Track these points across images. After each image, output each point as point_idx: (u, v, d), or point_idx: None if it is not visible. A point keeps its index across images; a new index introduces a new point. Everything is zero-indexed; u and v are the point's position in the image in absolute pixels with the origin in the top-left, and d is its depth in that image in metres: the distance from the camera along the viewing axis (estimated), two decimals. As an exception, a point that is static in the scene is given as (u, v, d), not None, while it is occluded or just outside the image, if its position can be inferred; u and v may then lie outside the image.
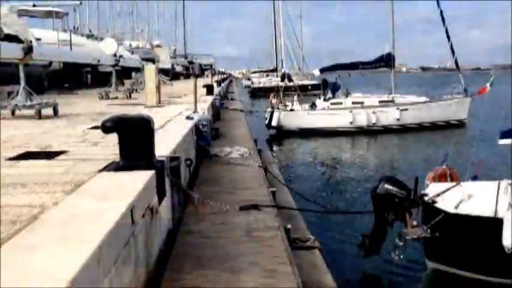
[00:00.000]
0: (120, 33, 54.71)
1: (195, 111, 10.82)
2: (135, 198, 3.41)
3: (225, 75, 67.44)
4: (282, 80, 24.96)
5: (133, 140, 4.31)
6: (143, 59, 40.33)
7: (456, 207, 6.33)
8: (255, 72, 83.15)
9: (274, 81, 62.35)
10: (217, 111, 15.78)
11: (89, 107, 13.27)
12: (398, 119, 21.98)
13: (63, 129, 7.66)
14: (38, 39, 24.53)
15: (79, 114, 10.49)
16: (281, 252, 4.23)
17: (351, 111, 21.81)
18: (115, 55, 17.08)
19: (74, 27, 33.23)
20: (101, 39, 43.49)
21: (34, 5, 28.53)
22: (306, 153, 19.38)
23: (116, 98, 17.39)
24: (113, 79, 17.23)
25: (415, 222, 6.85)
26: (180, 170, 5.34)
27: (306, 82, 47.87)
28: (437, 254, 6.73)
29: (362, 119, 21.77)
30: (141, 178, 3.96)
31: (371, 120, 21.80)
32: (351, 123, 21.78)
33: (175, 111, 11.40)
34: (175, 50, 78.01)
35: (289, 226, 5.13)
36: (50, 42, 25.26)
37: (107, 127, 4.26)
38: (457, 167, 7.85)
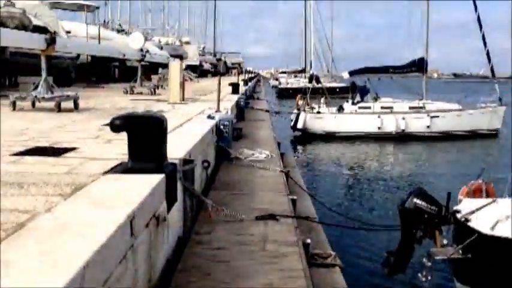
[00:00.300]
0: (150, 29, 55.13)
1: (218, 110, 10.49)
2: (138, 206, 3.07)
3: (252, 74, 67.25)
4: (310, 81, 24.47)
5: (144, 140, 3.97)
6: (171, 55, 40.43)
7: (492, 227, 5.81)
8: (283, 72, 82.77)
9: (302, 82, 61.96)
10: (241, 110, 15.42)
11: (111, 101, 13.11)
12: (428, 126, 21.26)
13: (79, 124, 7.42)
14: (68, 32, 24.70)
15: (100, 109, 10.28)
16: (298, 271, 3.84)
17: (379, 116, 21.18)
18: (141, 50, 16.91)
19: (104, 22, 33.42)
20: (131, 34, 44.07)
21: (66, -2, 28.85)
22: (331, 158, 18.87)
23: (141, 93, 17.25)
24: (139, 74, 17.06)
25: (445, 241, 6.35)
26: (194, 174, 4.99)
27: (334, 84, 47.22)
28: (468, 276, 6.22)
29: (391, 124, 21.12)
30: (148, 183, 3.63)
31: (400, 126, 21.13)
32: (379, 128, 21.17)
33: (197, 109, 11.12)
34: (204, 48, 78.21)
35: (308, 241, 4.73)
36: (80, 35, 25.45)
37: (115, 125, 3.94)
38: (494, 181, 7.30)
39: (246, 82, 32.44)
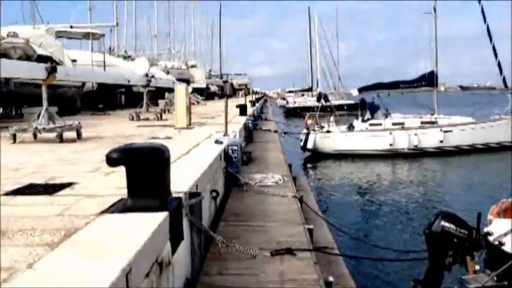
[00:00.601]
0: (157, 54, 55.41)
1: (226, 134, 10.12)
2: (137, 253, 2.66)
3: (259, 95, 67.11)
4: (318, 100, 24.11)
5: (144, 174, 3.58)
6: (178, 79, 40.34)
7: (530, 252, 5.30)
8: (290, 91, 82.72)
9: (310, 100, 61.72)
10: (250, 132, 15.06)
11: (117, 128, 12.79)
12: (441, 141, 20.72)
13: (80, 155, 7.05)
14: (74, 60, 24.69)
15: (103, 137, 9.93)
16: (322, 317, 3.38)
17: (391, 133, 20.70)
18: (147, 75, 16.69)
19: (110, 49, 33.48)
20: (133, 60, 44.21)
21: (71, 27, 28.91)
22: (343, 178, 18.35)
23: (147, 119, 16.97)
24: (144, 99, 16.81)
25: (477, 267, 5.83)
26: (201, 207, 4.57)
27: (341, 102, 46.94)
28: (505, 307, 5.68)
29: (403, 141, 20.62)
30: (149, 223, 3.22)
31: (412, 142, 20.61)
32: (391, 145, 20.66)
33: (205, 133, 10.76)
34: (210, 70, 78.52)
35: (331, 279, 4.26)
36: (86, 63, 25.43)
37: (112, 159, 3.54)
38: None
39: (253, 103, 32.19)
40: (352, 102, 42.33)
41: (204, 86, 59.90)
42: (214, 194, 5.95)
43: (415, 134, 20.61)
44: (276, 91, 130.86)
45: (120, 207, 3.63)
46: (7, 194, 4.28)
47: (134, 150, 3.65)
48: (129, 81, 15.67)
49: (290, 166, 11.01)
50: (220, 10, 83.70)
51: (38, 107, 17.15)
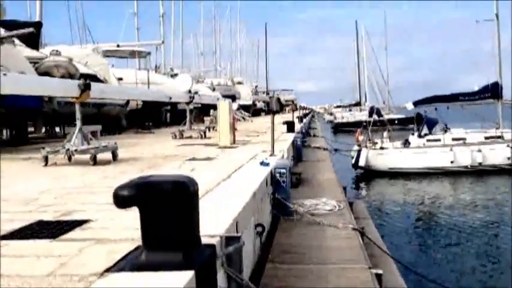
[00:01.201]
0: (203, 71, 55.57)
1: (272, 154, 9.16)
2: None
3: (306, 111, 65.98)
4: (370, 114, 22.76)
5: (163, 218, 2.67)
6: (224, 96, 39.92)
7: None
8: (338, 106, 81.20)
9: (358, 115, 60.03)
10: (298, 151, 14.04)
11: (156, 148, 12.13)
12: (509, 158, 18.90)
13: (108, 181, 6.26)
14: (120, 79, 24.62)
15: (140, 159, 9.20)
16: None
17: (451, 149, 19.08)
18: (189, 92, 16.05)
19: (156, 66, 33.47)
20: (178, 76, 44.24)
21: (118, 46, 29.09)
22: (400, 200, 16.93)
23: (190, 137, 16.30)
24: (188, 117, 16.16)
25: None
26: (241, 254, 3.59)
27: (392, 116, 45.09)
28: None
29: (465, 157, 18.95)
30: (167, 291, 2.28)
31: (476, 159, 18.90)
32: (451, 162, 19.03)
33: (249, 153, 9.83)
34: (256, 86, 78.16)
35: None
36: (132, 81, 25.27)
37: (121, 198, 2.67)
38: None
39: (301, 119, 31.17)
40: (403, 116, 40.51)
41: (250, 102, 59.41)
42: (259, 229, 4.98)
43: (479, 150, 18.90)
44: (323, 106, 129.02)
45: (131, 263, 2.71)
46: (4, 237, 3.47)
47: (150, 185, 2.74)
48: (170, 98, 15.06)
49: (345, 189, 9.88)
50: (266, 28, 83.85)
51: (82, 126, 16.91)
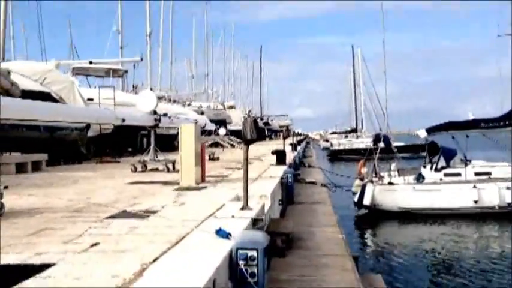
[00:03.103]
0: (193, 94, 52.60)
1: (245, 206, 5.90)
2: None
3: (301, 137, 62.86)
4: (376, 142, 19.55)
5: None
6: (213, 121, 36.80)
7: None
8: (333, 133, 78.26)
9: (356, 142, 57.00)
10: (289, 191, 10.80)
11: (97, 187, 8.89)
12: (544, 197, 15.67)
13: None
14: (90, 99, 21.40)
15: (38, 212, 5.88)
16: None
17: (475, 186, 15.83)
18: (155, 113, 12.82)
19: (134, 86, 30.36)
20: (171, 100, 41.11)
21: (91, 62, 26.01)
22: (413, 248, 13.62)
23: (156, 169, 13.05)
24: (152, 144, 12.91)
25: None
26: None
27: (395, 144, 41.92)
28: None
29: (492, 196, 15.69)
30: None
31: (505, 198, 15.65)
32: (475, 202, 15.76)
33: (216, 201, 6.61)
34: (249, 111, 75.20)
35: None
36: (106, 102, 21.97)
37: None
38: None
39: (294, 146, 27.98)
40: (404, 144, 37.39)
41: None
42: None
43: (508, 188, 15.67)
44: (318, 132, 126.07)
45: None
46: None
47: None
48: (123, 120, 11.83)
49: (356, 260, 6.54)
50: (261, 50, 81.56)
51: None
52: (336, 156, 53.31)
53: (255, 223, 5.35)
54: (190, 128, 9.20)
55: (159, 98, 38.38)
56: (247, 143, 5.89)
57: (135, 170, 12.75)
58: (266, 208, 6.97)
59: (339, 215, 12.61)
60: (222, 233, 4.29)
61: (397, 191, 16.31)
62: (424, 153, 45.76)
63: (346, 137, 65.92)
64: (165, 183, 9.67)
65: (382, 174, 17.55)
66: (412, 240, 14.27)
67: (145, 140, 26.22)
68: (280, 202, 9.59)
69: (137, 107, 12.63)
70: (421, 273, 11.67)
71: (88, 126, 17.45)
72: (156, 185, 9.43)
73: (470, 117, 18.27)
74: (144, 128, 22.87)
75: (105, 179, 10.70)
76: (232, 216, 5.39)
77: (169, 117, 14.89)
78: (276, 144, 29.39)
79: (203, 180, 9.78)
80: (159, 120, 13.02)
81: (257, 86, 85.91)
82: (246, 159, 5.92)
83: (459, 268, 11.80)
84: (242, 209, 5.90)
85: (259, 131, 5.72)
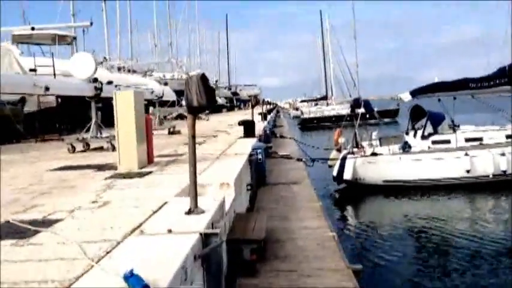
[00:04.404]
0: (155, 63, 49.68)
1: (193, 209, 3.86)
2: None
3: (271, 106, 60.75)
4: (353, 109, 17.57)
5: None
6: (177, 91, 34.27)
7: None
8: (304, 101, 76.38)
9: (326, 110, 55.27)
10: (259, 170, 8.79)
11: (22, 173, 6.71)
12: (541, 164, 14.16)
13: None
14: (33, 70, 18.69)
15: None
16: None
17: (466, 154, 14.16)
18: (96, 80, 10.51)
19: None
20: (129, 70, 38.26)
21: (33, 28, 22.99)
22: (401, 224, 11.91)
23: (101, 148, 10.89)
24: (93, 119, 10.64)
25: None
26: None
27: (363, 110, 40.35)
28: None
29: (486, 165, 14.06)
30: None
31: (499, 166, 14.06)
32: (467, 172, 14.13)
33: (161, 194, 4.57)
34: (217, 81, 72.39)
35: None
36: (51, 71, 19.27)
37: None
38: None
39: (264, 116, 25.95)
40: (379, 109, 35.80)
41: (209, 97, 53.87)
42: None
43: (502, 154, 14.06)
44: (288, 101, 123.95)
45: None
46: None
47: None
48: (47, 88, 9.42)
49: (357, 275, 4.57)
50: (227, 19, 78.68)
51: None
52: (307, 124, 51.53)
53: (206, 241, 3.32)
54: (127, 96, 7.00)
55: (119, 69, 35.56)
56: (193, 111, 3.79)
57: (73, 150, 10.54)
58: (228, 203, 4.95)
59: (316, 191, 10.80)
60: (134, 283, 2.24)
61: (381, 163, 14.49)
62: (397, 119, 44.24)
63: (316, 104, 64.25)
64: (101, 167, 7.52)
65: (362, 144, 15.70)
66: (400, 217, 12.51)
67: (100, 113, 23.77)
68: (248, 187, 7.59)
69: (72, 73, 10.26)
70: (410, 257, 10.02)
71: (23, 99, 14.95)
72: (87, 170, 7.28)
73: (435, 80, 16.51)
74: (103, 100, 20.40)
75: (26, 164, 8.47)
76: (169, 231, 3.34)
77: (116, 86, 12.54)
78: (245, 114, 27.36)
79: (150, 161, 7.69)
80: (101, 89, 10.71)
81: (224, 56, 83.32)
82: (193, 136, 3.82)
83: (452, 249, 10.15)
84: (189, 212, 3.85)
85: (210, 94, 3.60)
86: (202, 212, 3.88)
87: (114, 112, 6.97)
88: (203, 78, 3.75)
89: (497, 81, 15.77)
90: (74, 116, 20.52)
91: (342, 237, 8.20)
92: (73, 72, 10.15)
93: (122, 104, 6.93)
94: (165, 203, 4.40)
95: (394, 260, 9.40)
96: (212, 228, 3.73)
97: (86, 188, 5.56)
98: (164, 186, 5.38)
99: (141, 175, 6.43)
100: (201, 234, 3.29)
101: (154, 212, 4.03)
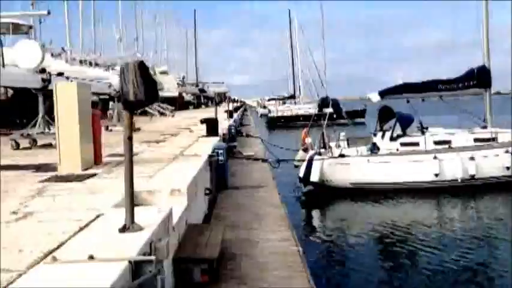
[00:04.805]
0: (117, 57, 48.19)
1: (129, 226, 3.14)
2: None
3: (238, 104, 60.13)
4: (321, 108, 17.05)
5: None
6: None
7: None
8: (271, 99, 76.00)
9: (295, 108, 54.98)
10: (220, 174, 8.11)
11: None
12: (508, 168, 13.99)
13: None
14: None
15: None
16: None
17: (435, 157, 13.85)
18: (43, 71, 9.59)
19: (42, 45, 26.07)
20: (91, 64, 36.84)
21: (-15, 17, 21.62)
22: (368, 229, 11.45)
23: (50, 145, 9.98)
24: (40, 113, 9.72)
25: None
26: None
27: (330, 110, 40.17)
28: None
29: (454, 168, 13.77)
30: None
31: (468, 170, 13.80)
32: (436, 176, 13.82)
33: (99, 204, 3.81)
34: (184, 78, 71.05)
35: None
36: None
37: None
38: None
39: (230, 114, 25.26)
40: (346, 109, 35.65)
41: (176, 94, 52.57)
42: None
43: (471, 158, 13.81)
44: (255, 99, 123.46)
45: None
46: None
47: None
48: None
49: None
50: (195, 14, 77.60)
51: None
52: (275, 123, 51.07)
53: (137, 270, 2.62)
54: (70, 88, 6.19)
55: (80, 63, 34.06)
56: (130, 107, 3.07)
57: (16, 147, 9.60)
58: (178, 214, 4.25)
59: (282, 194, 10.21)
60: None
61: (349, 164, 14.03)
62: (363, 120, 44.22)
63: (284, 103, 63.99)
64: (39, 168, 6.69)
65: (330, 144, 15.22)
66: (368, 224, 11.97)
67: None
68: (207, 191, 6.89)
69: (16, 63, 9.32)
70: (377, 262, 9.61)
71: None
72: (23, 171, 6.44)
73: (400, 82, 16.20)
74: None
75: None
76: (91, 258, 2.62)
77: (68, 78, 11.59)
78: (212, 112, 26.66)
79: (98, 162, 6.90)
80: (49, 81, 9.79)
81: (192, 53, 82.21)
82: (129, 137, 3.10)
83: (420, 256, 9.77)
84: (123, 230, 3.14)
85: (150, 86, 2.89)
86: (140, 229, 3.18)
87: (54, 106, 6.15)
88: (142, 66, 3.04)
89: (466, 84, 15.58)
90: (31, 110, 19.37)
91: (308, 247, 7.61)
92: (17, 61, 9.21)
93: (64, 97, 6.12)
94: (99, 215, 3.67)
95: (361, 276, 8.86)
96: (151, 249, 3.04)
97: (14, 194, 4.77)
98: (106, 193, 4.65)
99: (81, 178, 5.65)
100: (130, 262, 2.58)
101: (81, 229, 3.30)
